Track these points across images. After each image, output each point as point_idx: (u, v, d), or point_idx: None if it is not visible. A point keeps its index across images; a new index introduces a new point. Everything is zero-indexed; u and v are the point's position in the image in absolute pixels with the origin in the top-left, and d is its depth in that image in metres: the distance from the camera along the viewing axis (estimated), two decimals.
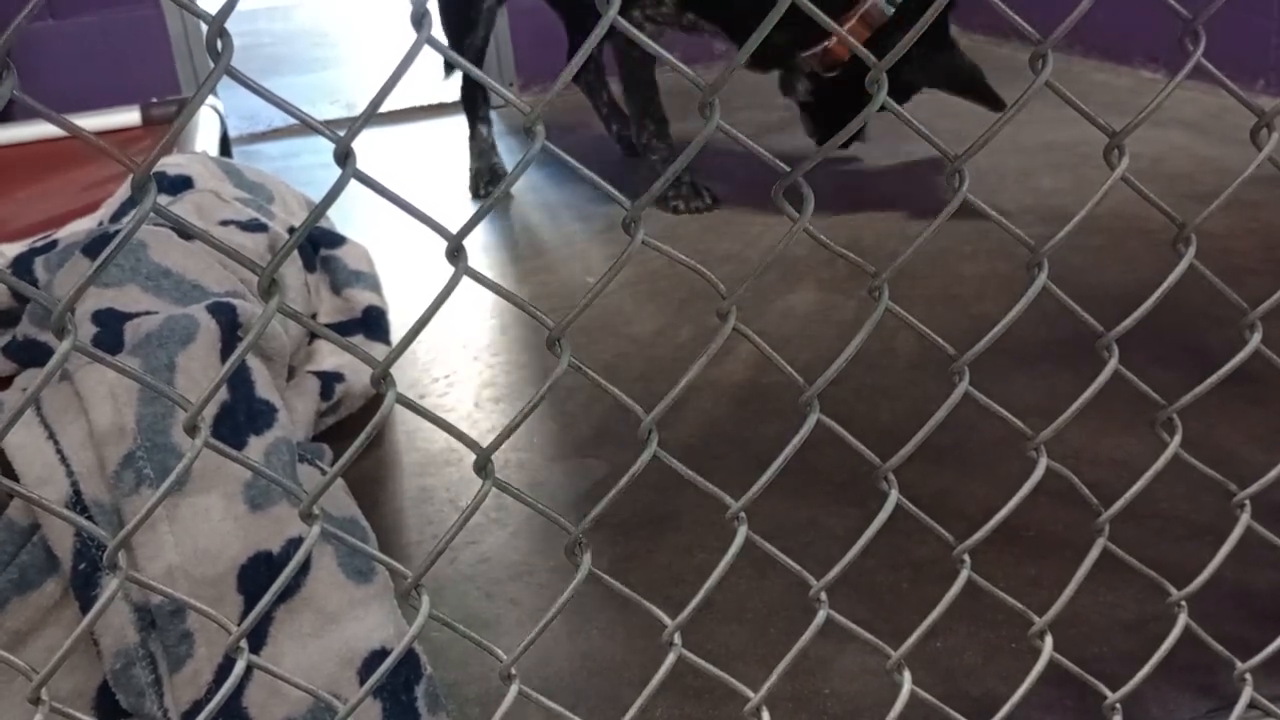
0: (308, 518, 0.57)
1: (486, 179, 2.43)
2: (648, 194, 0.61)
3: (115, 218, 1.52)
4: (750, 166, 2.42)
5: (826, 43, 2.00)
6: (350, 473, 1.26)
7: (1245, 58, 2.52)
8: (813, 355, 1.54)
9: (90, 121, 2.13)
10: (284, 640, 0.90)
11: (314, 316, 1.54)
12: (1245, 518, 0.80)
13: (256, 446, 1.03)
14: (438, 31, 2.43)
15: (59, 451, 0.96)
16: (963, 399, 0.69)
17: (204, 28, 0.46)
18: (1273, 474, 0.79)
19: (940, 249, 1.83)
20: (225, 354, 1.11)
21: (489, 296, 1.81)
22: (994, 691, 0.92)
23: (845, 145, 2.36)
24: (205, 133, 2.01)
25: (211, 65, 0.47)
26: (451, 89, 3.29)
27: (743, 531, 0.67)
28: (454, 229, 0.54)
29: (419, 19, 0.49)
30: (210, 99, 2.17)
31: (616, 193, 0.58)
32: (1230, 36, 2.48)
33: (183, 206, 1.45)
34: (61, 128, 0.48)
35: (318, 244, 1.65)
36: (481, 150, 2.48)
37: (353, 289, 1.59)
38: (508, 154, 2.76)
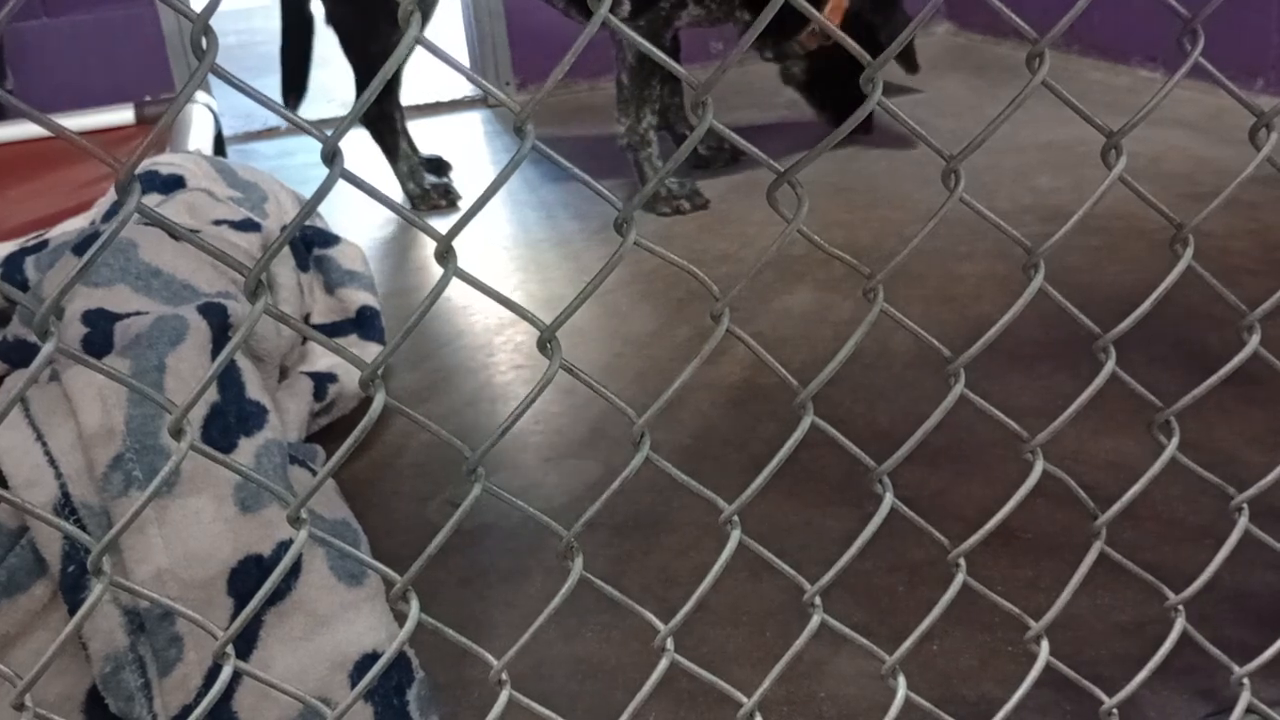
0: (295, 522, 0.56)
1: (442, 193, 2.31)
2: (640, 194, 0.61)
3: (107, 217, 1.51)
4: (745, 165, 2.41)
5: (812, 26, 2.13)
6: (343, 474, 1.26)
7: (1244, 57, 2.51)
8: (809, 355, 1.54)
9: (84, 120, 2.11)
10: (274, 644, 0.89)
11: (307, 316, 1.53)
12: (1243, 521, 0.79)
13: (247, 448, 1.02)
14: (431, 32, 2.39)
15: (47, 453, 0.95)
16: (959, 400, 0.68)
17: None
18: (1271, 477, 0.79)
19: (937, 249, 1.83)
20: (215, 355, 1.10)
21: (481, 297, 1.80)
22: (990, 695, 0.91)
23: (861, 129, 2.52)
24: (199, 131, 2.00)
25: (198, 64, 0.46)
26: (443, 88, 3.29)
27: (736, 536, 0.67)
28: (444, 230, 0.53)
29: (408, 17, 0.49)
30: (205, 97, 2.16)
31: (608, 193, 0.57)
32: (1229, 36, 2.48)
33: (174, 206, 1.44)
34: (46, 128, 0.47)
35: (311, 244, 1.65)
36: (412, 168, 2.33)
37: (346, 289, 1.59)
38: (504, 152, 2.75)
